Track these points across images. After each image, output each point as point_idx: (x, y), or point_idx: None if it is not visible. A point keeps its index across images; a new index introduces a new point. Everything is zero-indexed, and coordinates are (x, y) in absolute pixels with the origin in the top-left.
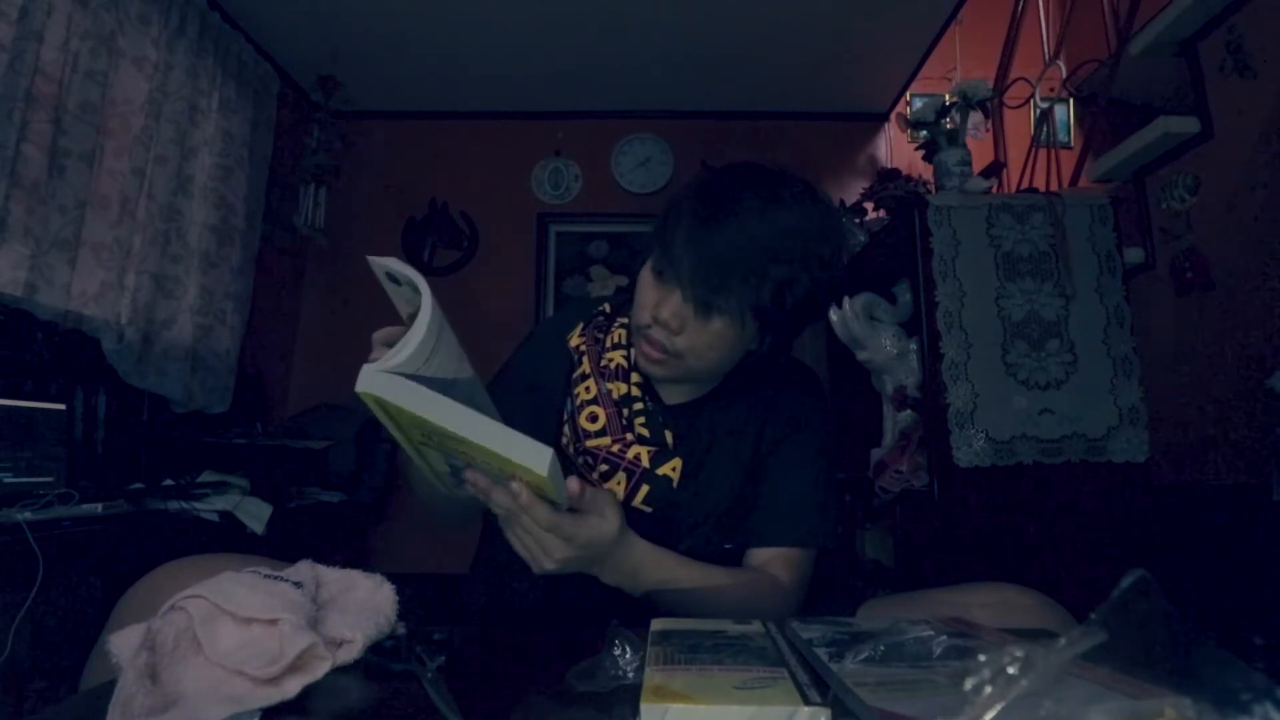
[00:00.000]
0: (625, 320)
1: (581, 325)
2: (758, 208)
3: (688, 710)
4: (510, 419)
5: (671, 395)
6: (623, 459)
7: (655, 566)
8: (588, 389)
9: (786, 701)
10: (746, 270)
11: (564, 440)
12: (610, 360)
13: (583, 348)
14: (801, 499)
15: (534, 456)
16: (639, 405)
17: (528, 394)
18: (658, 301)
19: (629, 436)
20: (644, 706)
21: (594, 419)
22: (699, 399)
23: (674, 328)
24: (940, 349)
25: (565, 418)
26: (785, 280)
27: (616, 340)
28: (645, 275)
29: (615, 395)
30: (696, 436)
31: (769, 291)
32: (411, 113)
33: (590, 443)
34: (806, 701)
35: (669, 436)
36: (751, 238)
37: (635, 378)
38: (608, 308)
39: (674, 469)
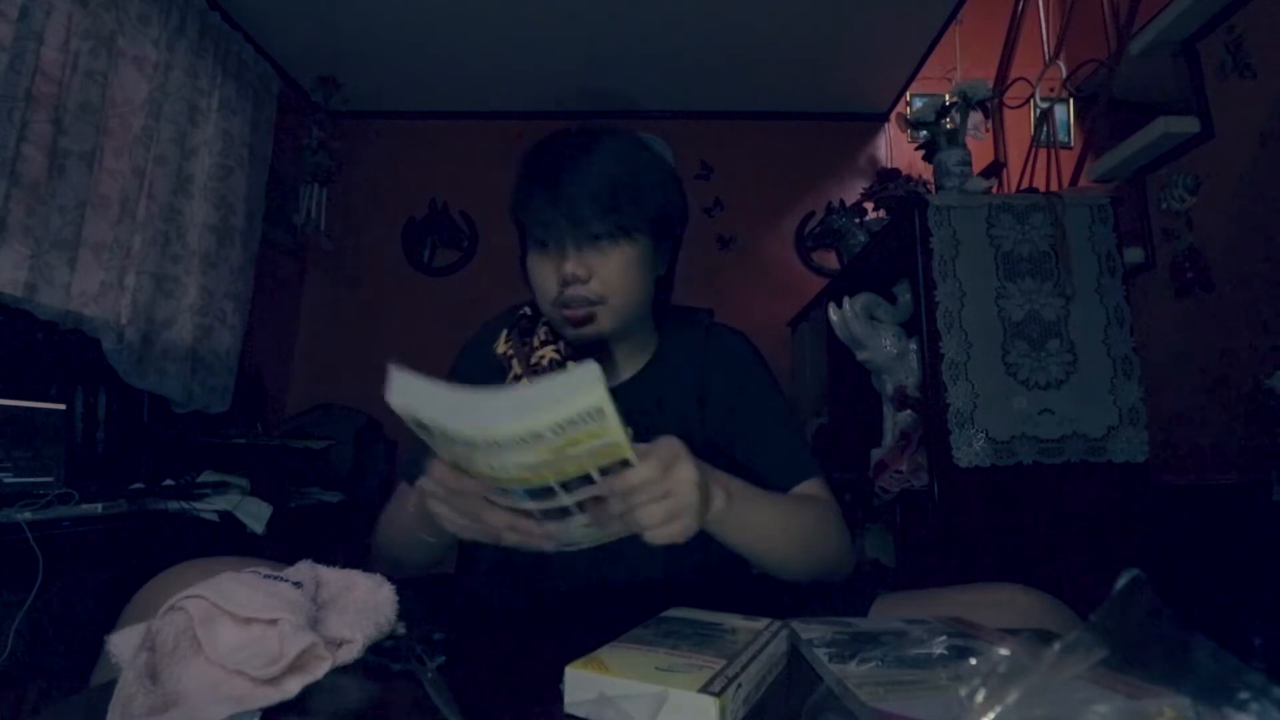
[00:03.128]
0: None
1: (505, 332)
2: (584, 143)
3: (591, 678)
4: None
5: (607, 378)
6: None
7: (746, 493)
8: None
9: (683, 686)
10: (607, 188)
11: None
12: (542, 357)
13: (509, 352)
14: (785, 440)
15: (583, 388)
16: None
17: None
18: (555, 267)
19: None
20: (567, 671)
21: None
22: (635, 376)
23: (583, 276)
24: (940, 349)
25: None
26: (640, 185)
27: (545, 338)
28: (532, 264)
29: None
30: (641, 410)
31: (633, 197)
32: (411, 113)
33: None
34: (702, 689)
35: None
36: (595, 163)
37: (571, 368)
38: (529, 310)
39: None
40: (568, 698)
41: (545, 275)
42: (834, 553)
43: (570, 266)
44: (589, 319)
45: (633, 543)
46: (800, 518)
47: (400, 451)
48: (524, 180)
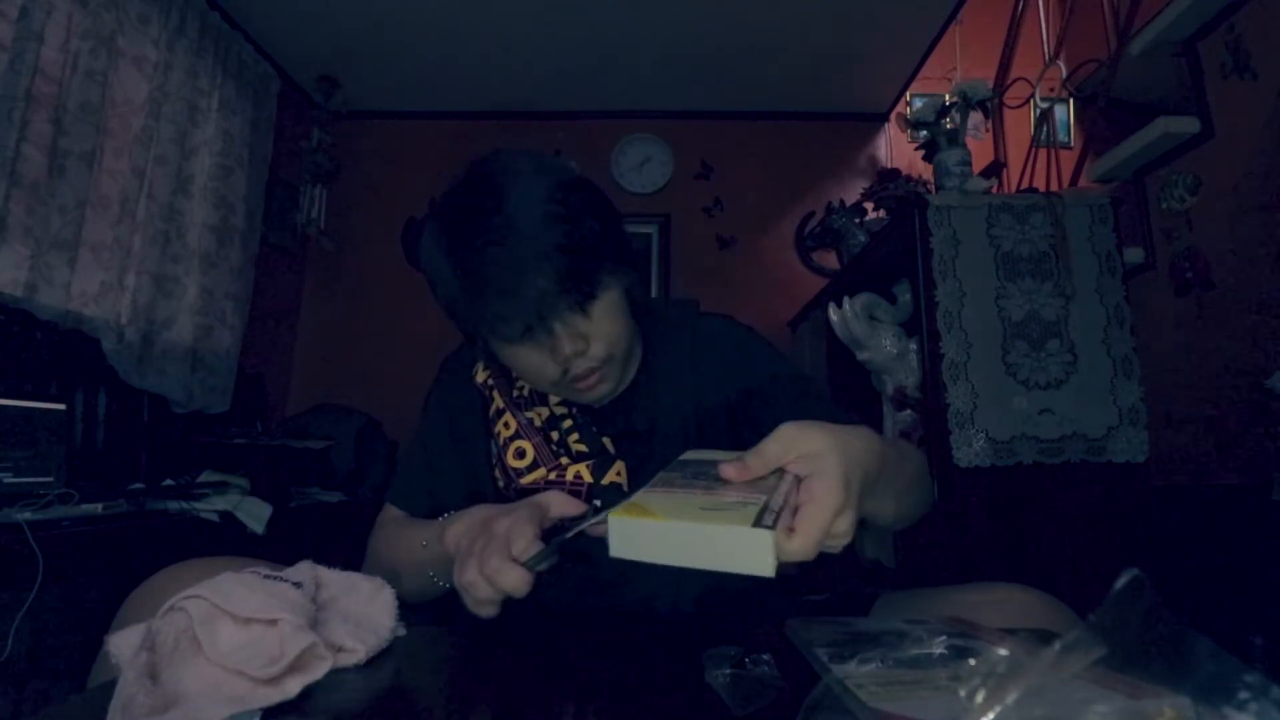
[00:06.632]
0: None
1: (483, 361)
2: (510, 216)
3: (636, 524)
4: (444, 476)
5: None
6: (563, 484)
7: (883, 454)
8: (507, 424)
9: (736, 522)
10: (564, 255)
11: (500, 484)
12: (523, 388)
13: (491, 382)
14: (810, 409)
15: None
16: (568, 423)
17: (454, 446)
18: (551, 351)
19: (564, 460)
20: (611, 519)
21: (521, 454)
22: (625, 393)
23: (583, 349)
24: (940, 349)
25: (494, 460)
26: (587, 230)
27: None
28: (511, 356)
29: (538, 422)
30: (634, 430)
31: (590, 246)
32: (411, 113)
33: (525, 480)
34: (756, 523)
35: (608, 444)
36: (537, 235)
37: (554, 398)
38: None
39: (618, 473)
40: (613, 547)
41: (537, 364)
42: (928, 487)
43: (568, 349)
44: (600, 382)
45: (666, 573)
46: (916, 470)
47: (398, 457)
48: (463, 286)
